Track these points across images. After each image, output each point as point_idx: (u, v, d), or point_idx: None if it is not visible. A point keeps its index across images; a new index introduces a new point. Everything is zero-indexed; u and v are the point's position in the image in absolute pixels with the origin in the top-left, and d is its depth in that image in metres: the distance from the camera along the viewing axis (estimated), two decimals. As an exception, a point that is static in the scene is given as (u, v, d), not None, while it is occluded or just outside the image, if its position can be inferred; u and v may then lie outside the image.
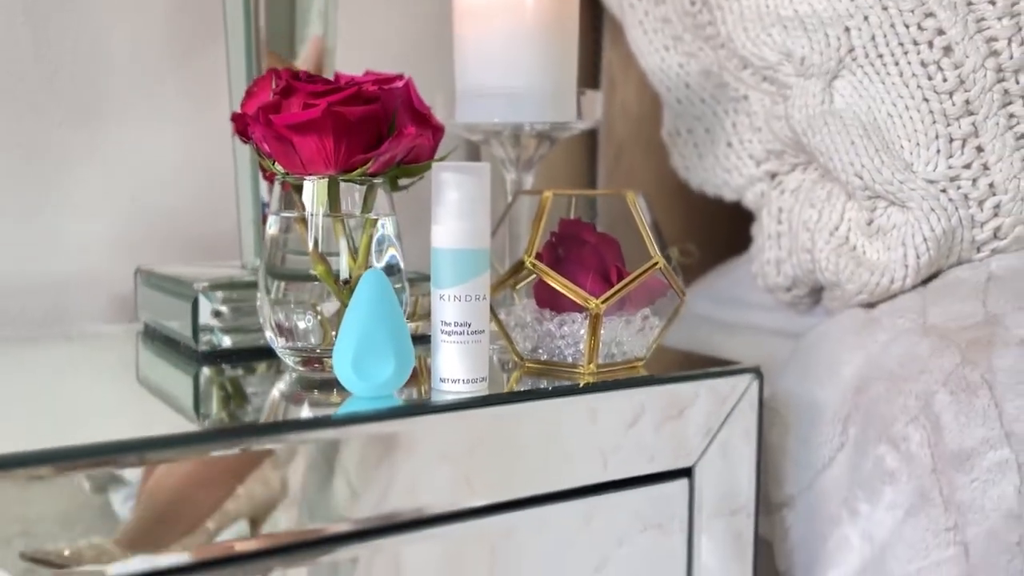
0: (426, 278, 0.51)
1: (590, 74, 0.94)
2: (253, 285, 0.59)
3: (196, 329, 0.58)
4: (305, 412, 0.49)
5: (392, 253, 0.53)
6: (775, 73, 0.70)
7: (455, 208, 0.49)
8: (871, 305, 0.64)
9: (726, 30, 0.73)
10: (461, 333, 0.49)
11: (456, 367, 0.49)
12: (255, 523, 0.44)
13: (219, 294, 0.59)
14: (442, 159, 0.53)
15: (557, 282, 0.52)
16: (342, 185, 0.52)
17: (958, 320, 0.57)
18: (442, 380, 0.50)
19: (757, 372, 0.57)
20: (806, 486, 0.62)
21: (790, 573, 0.63)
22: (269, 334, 0.54)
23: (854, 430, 0.59)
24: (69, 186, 0.74)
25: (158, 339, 0.65)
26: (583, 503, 0.52)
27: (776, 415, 0.65)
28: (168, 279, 0.63)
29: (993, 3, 0.62)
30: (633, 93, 0.91)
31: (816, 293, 0.71)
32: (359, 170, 0.51)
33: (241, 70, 0.65)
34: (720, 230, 0.91)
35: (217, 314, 0.58)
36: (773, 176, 0.72)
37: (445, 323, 0.49)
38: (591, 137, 0.95)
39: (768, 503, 0.66)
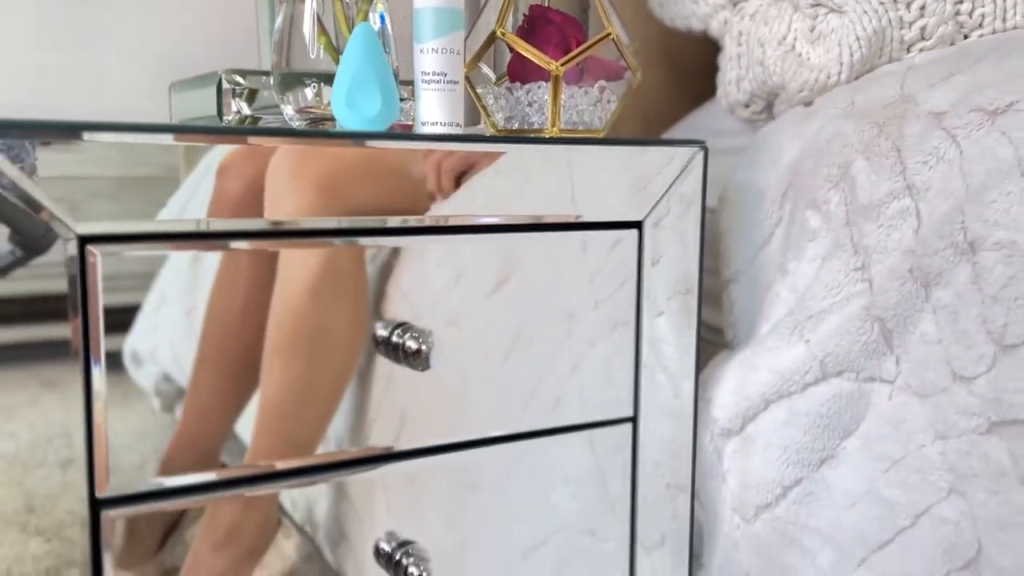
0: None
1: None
2: (266, 72, 0.69)
3: (220, 109, 0.68)
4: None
5: (386, 38, 0.62)
6: (737, -94, 0.77)
7: (434, -26, 0.57)
8: (811, 103, 0.73)
9: None
10: (439, 82, 0.58)
11: (435, 111, 0.58)
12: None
13: (238, 77, 0.68)
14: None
15: (522, 48, 0.61)
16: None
17: (879, 102, 0.65)
18: (423, 124, 0.59)
19: (703, 146, 0.66)
20: (750, 261, 0.71)
21: (735, 341, 0.72)
22: (281, 105, 0.63)
23: (788, 205, 0.68)
24: (111, 25, 0.84)
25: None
26: (535, 236, 0.61)
27: (727, 203, 0.74)
28: (195, 79, 0.73)
29: None
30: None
31: (769, 108, 0.79)
32: (356, -48, 0.60)
33: None
34: (696, 80, 0.99)
35: (235, 93, 0.68)
36: (735, 3, 0.80)
37: (425, 73, 0.58)
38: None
39: (718, 282, 0.75)
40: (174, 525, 0.53)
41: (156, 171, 0.50)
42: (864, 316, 0.59)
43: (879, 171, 0.62)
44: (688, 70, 1.01)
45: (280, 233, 0.53)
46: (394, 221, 0.56)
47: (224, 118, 0.68)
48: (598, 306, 0.64)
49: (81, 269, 0.47)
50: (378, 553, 0.59)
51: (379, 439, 0.57)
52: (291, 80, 0.62)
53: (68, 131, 0.46)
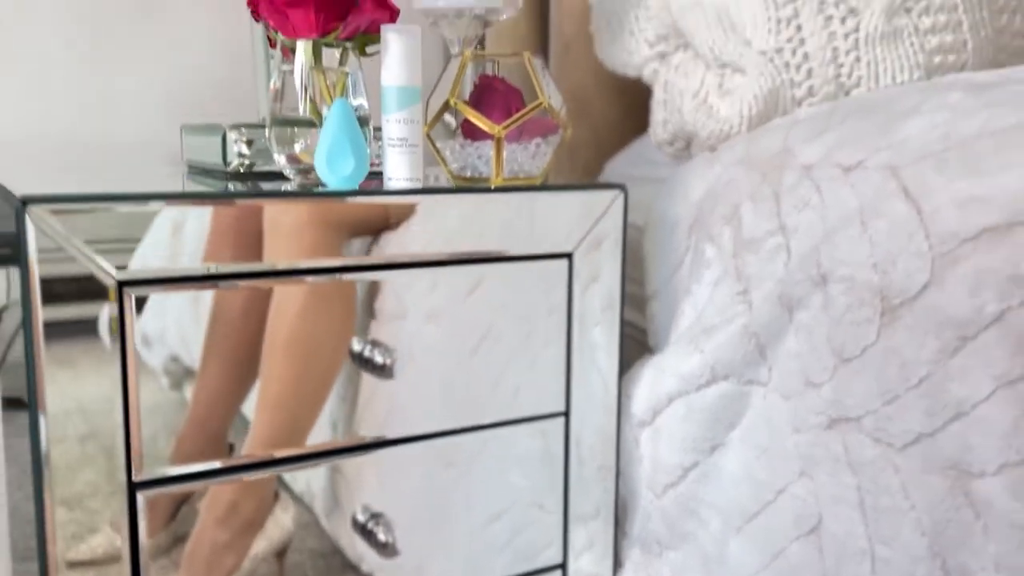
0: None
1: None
2: (262, 125, 0.83)
3: (224, 156, 0.82)
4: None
5: (360, 102, 0.76)
6: (662, -25, 0.91)
7: (396, 57, 0.71)
8: (715, 149, 0.87)
9: (630, -58, 0.94)
10: (402, 146, 0.72)
11: (400, 169, 0.72)
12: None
13: (240, 131, 0.82)
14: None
15: (471, 115, 0.75)
16: (324, 54, 0.75)
17: (766, 151, 0.79)
18: (390, 179, 0.73)
19: (622, 188, 0.80)
20: (666, 282, 0.85)
21: (655, 346, 0.87)
22: (275, 156, 0.77)
23: (694, 236, 0.82)
24: (128, 61, 0.98)
25: (198, 171, 0.89)
26: (478, 269, 0.76)
27: (649, 229, 0.88)
28: (204, 127, 0.87)
29: (814, -82, 0.83)
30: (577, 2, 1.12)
31: (689, 147, 0.93)
32: (333, 34, 0.74)
33: None
34: (643, 110, 1.13)
35: (238, 143, 0.82)
36: (662, 56, 0.94)
37: (391, 139, 0.72)
38: (544, 37, 1.17)
39: (642, 297, 0.89)
40: (184, 499, 0.68)
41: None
42: (744, 332, 0.74)
43: (760, 213, 0.76)
44: (636, 98, 1.14)
45: (277, 273, 0.67)
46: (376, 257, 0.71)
47: (228, 163, 0.83)
48: (539, 320, 0.79)
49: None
50: (354, 523, 0.74)
51: (369, 429, 0.72)
52: (283, 135, 0.76)
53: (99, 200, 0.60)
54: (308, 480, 0.71)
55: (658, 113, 0.93)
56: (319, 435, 0.71)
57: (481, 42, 0.89)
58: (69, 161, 0.96)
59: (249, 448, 0.69)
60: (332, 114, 0.70)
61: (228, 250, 0.65)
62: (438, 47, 1.15)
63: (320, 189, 0.71)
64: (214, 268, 0.65)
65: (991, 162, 0.63)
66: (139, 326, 0.63)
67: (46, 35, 0.94)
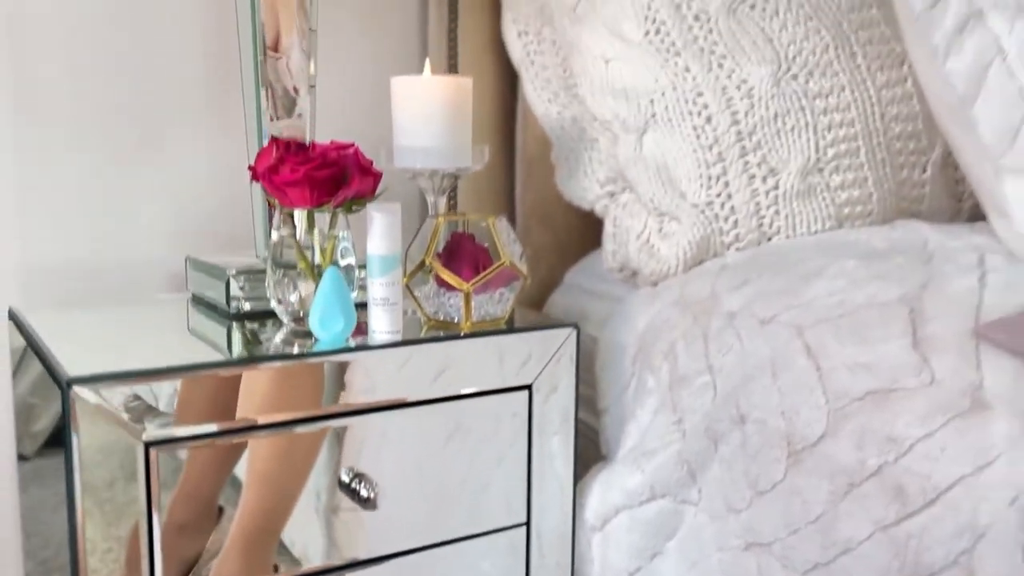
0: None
1: (510, 110, 1.27)
2: (263, 271, 0.94)
3: (228, 299, 0.94)
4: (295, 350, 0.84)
5: (349, 260, 0.88)
6: (610, 126, 1.04)
7: (379, 231, 0.83)
8: (656, 285, 0.99)
9: (583, 92, 1.06)
10: (384, 305, 0.84)
11: (383, 324, 0.84)
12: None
13: (242, 277, 0.94)
14: (379, 195, 0.88)
15: (443, 272, 0.87)
16: (316, 213, 0.87)
17: (697, 295, 0.92)
18: (375, 332, 0.85)
19: (575, 327, 0.93)
20: (615, 400, 0.98)
21: (610, 456, 0.99)
22: (272, 302, 0.89)
23: (638, 365, 0.95)
24: (139, 196, 1.09)
25: (202, 304, 1.01)
26: (453, 405, 0.88)
27: (601, 351, 1.00)
28: (209, 265, 0.99)
29: (738, 88, 0.96)
30: (539, 125, 1.25)
31: (635, 276, 1.06)
32: (326, 206, 0.86)
33: (253, 113, 0.99)
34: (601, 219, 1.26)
35: (240, 288, 0.94)
36: (612, 194, 1.07)
37: (375, 298, 0.84)
38: (511, 156, 1.29)
39: (596, 409, 1.01)
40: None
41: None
42: (678, 458, 0.87)
43: (692, 353, 0.89)
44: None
45: (257, 427, 0.79)
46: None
47: (231, 303, 0.94)
48: (502, 444, 0.91)
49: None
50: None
51: (343, 551, 0.84)
52: (280, 284, 0.88)
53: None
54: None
55: (608, 244, 1.06)
56: (298, 555, 0.83)
57: (454, 188, 1.02)
58: (85, 288, 1.07)
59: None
60: (324, 281, 0.82)
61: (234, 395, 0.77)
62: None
63: (320, 348, 0.83)
64: (228, 425, 0.76)
65: (875, 332, 0.76)
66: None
67: (62, 170, 1.05)
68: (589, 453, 1.02)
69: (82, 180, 1.07)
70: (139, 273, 1.10)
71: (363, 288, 0.93)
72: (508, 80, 1.24)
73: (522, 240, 1.27)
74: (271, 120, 0.99)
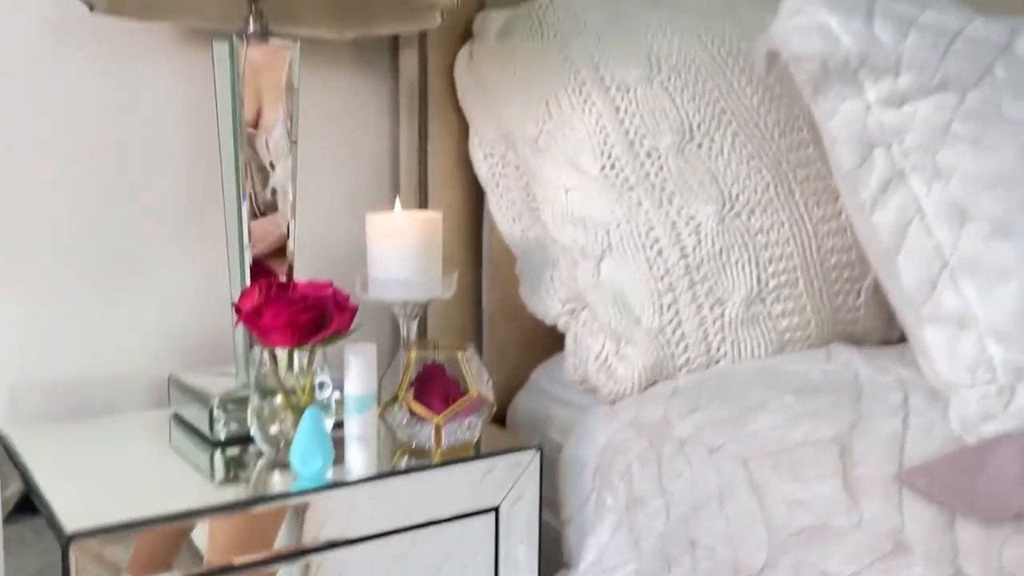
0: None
1: (478, 212, 1.34)
2: (246, 400, 1.00)
3: (211, 425, 1.00)
4: (277, 485, 0.90)
5: (326, 392, 0.94)
6: (570, 251, 1.11)
7: (355, 372, 0.90)
8: (614, 403, 1.07)
9: (544, 217, 1.14)
10: (360, 440, 0.90)
11: (359, 460, 0.91)
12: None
13: (225, 405, 1.00)
14: (354, 330, 0.94)
15: (417, 407, 0.94)
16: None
17: (651, 418, 0.99)
18: (351, 467, 0.91)
19: (539, 448, 0.99)
20: (576, 512, 1.05)
21: (572, 565, 1.06)
22: (254, 431, 0.95)
23: (597, 482, 1.02)
24: (120, 311, 1.15)
25: (184, 424, 1.06)
26: (426, 530, 0.94)
27: (563, 464, 1.07)
28: (193, 389, 1.04)
29: (687, 224, 1.04)
30: (502, 230, 1.32)
31: (595, 391, 1.13)
32: (307, 345, 0.92)
33: (235, 235, 1.05)
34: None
35: (223, 414, 1.00)
36: (572, 311, 1.14)
37: (351, 435, 0.90)
38: (478, 254, 1.36)
39: (560, 519, 1.08)
40: None
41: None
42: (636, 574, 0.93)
43: (646, 475, 0.96)
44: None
45: (233, 568, 0.85)
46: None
47: (214, 429, 1.00)
48: (471, 563, 0.97)
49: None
50: None
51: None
52: (262, 415, 0.94)
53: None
54: None
55: (569, 359, 1.13)
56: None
57: (425, 314, 1.08)
58: (70, 405, 1.12)
59: None
60: (305, 422, 0.88)
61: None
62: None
63: (300, 484, 0.88)
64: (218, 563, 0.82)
65: (810, 471, 0.84)
66: None
67: (45, 286, 1.10)
68: (554, 556, 1.09)
69: (63, 296, 1.12)
70: (121, 389, 1.15)
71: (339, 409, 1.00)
72: (476, 187, 1.31)
73: (488, 336, 1.34)
74: (251, 213, 1.02)
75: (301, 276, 1.13)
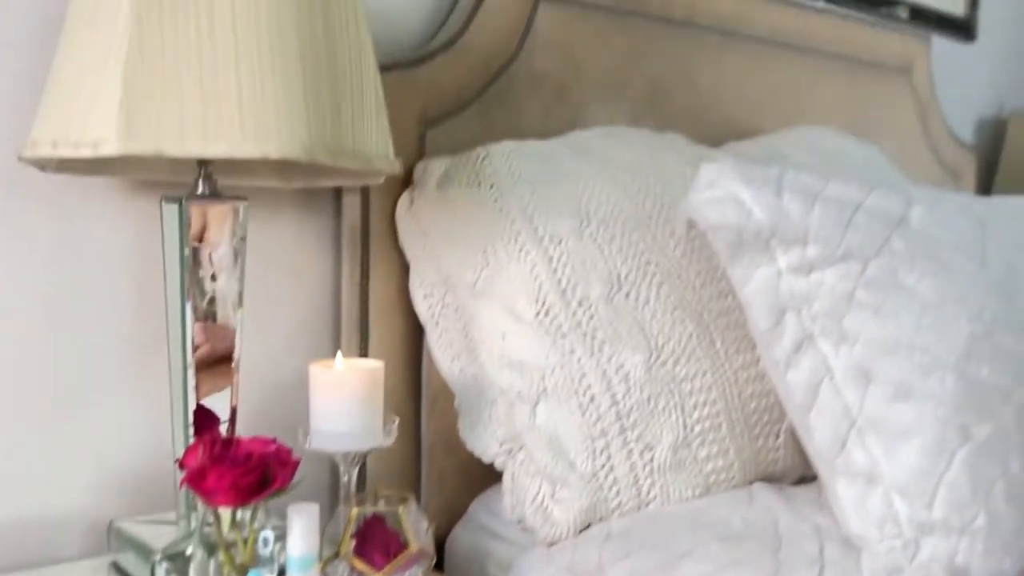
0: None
1: (417, 346, 1.38)
2: (187, 554, 1.01)
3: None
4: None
5: (268, 547, 0.96)
6: (507, 393, 1.16)
7: (298, 532, 0.92)
8: (551, 545, 1.11)
9: (482, 359, 1.19)
10: (303, 598, 0.92)
11: (300, 609, 0.93)
12: None
13: (166, 563, 1.01)
14: (296, 484, 0.97)
15: (358, 563, 0.96)
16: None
17: (586, 565, 1.03)
18: (293, 616, 0.93)
19: (477, 595, 1.02)
20: (516, 653, 1.08)
21: None
22: (196, 585, 0.96)
23: (536, 624, 1.05)
24: (58, 453, 1.15)
25: (124, 575, 1.07)
26: None
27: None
28: (135, 541, 1.05)
29: (616, 372, 1.10)
30: (442, 362, 1.37)
31: (532, 532, 1.17)
32: (251, 505, 0.94)
33: (179, 376, 1.07)
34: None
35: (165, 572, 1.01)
36: (510, 451, 1.18)
37: (295, 593, 0.93)
38: (418, 387, 1.40)
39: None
40: None
41: None
42: None
43: (583, 623, 0.99)
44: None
45: None
46: None
47: (155, 581, 1.01)
48: None
49: None
50: None
51: None
52: (206, 573, 0.96)
53: None
54: None
55: (507, 498, 1.17)
56: None
57: (364, 463, 1.12)
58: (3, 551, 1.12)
59: None
60: (248, 584, 0.90)
61: None
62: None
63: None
64: None
65: (734, 624, 0.89)
66: None
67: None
68: None
69: (9, 438, 1.12)
70: (58, 533, 1.15)
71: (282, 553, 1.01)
72: (415, 322, 1.36)
73: (427, 465, 1.37)
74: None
75: (243, 418, 1.16)
